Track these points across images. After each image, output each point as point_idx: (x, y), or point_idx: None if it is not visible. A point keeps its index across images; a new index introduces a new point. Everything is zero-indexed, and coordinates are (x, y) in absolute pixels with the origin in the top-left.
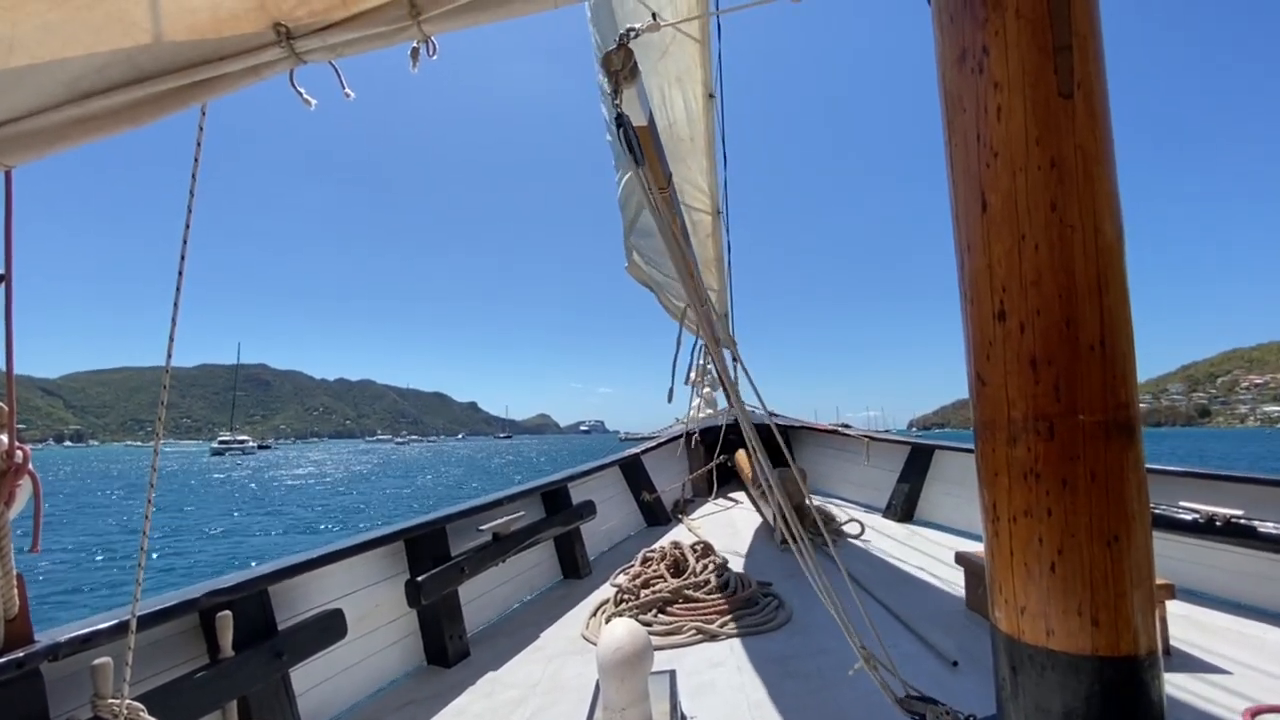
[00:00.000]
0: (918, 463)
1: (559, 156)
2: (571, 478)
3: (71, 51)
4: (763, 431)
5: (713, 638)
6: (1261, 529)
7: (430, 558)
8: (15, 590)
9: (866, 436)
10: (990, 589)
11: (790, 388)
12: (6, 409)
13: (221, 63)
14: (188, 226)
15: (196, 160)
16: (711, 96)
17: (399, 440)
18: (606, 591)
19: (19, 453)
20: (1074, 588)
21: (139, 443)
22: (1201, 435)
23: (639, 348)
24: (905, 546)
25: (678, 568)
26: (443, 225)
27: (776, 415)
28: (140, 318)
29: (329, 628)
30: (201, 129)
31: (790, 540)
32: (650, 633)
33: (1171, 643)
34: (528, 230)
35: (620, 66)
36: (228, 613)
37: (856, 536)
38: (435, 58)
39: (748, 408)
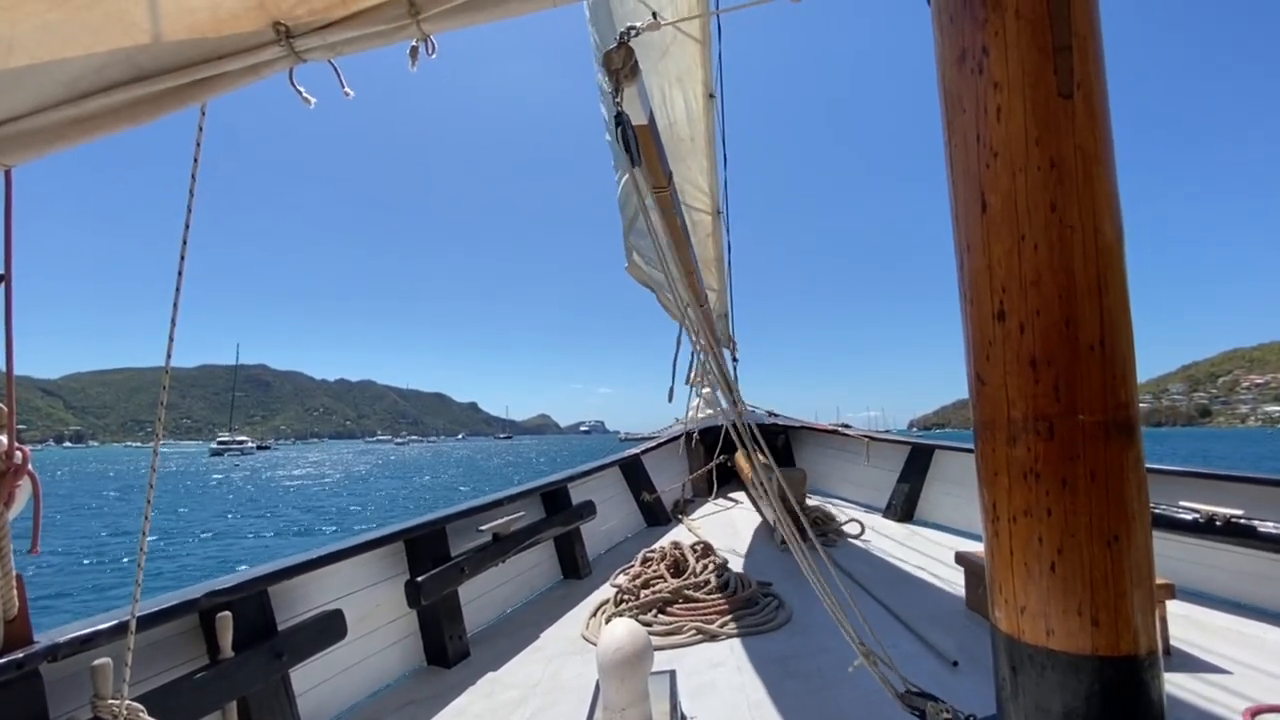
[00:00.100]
0: (918, 463)
1: (559, 156)
2: (571, 478)
3: (71, 51)
4: (760, 432)
5: (713, 638)
6: (1261, 529)
7: (430, 558)
8: (15, 591)
9: (866, 436)
10: (990, 589)
11: (790, 388)
12: (6, 410)
13: (221, 62)
14: (187, 226)
15: (196, 160)
16: (712, 96)
17: (398, 441)
18: (606, 592)
19: (19, 453)
20: (1074, 587)
21: (139, 443)
22: (1203, 435)
23: (639, 348)
24: (905, 546)
25: (678, 568)
26: (443, 225)
27: (776, 415)
28: (140, 318)
29: (329, 628)
30: (201, 128)
31: (790, 540)
32: (650, 633)
33: (1171, 643)
34: (528, 230)
35: (621, 65)
36: (227, 613)
37: (856, 536)
38: (434, 57)
39: (746, 407)
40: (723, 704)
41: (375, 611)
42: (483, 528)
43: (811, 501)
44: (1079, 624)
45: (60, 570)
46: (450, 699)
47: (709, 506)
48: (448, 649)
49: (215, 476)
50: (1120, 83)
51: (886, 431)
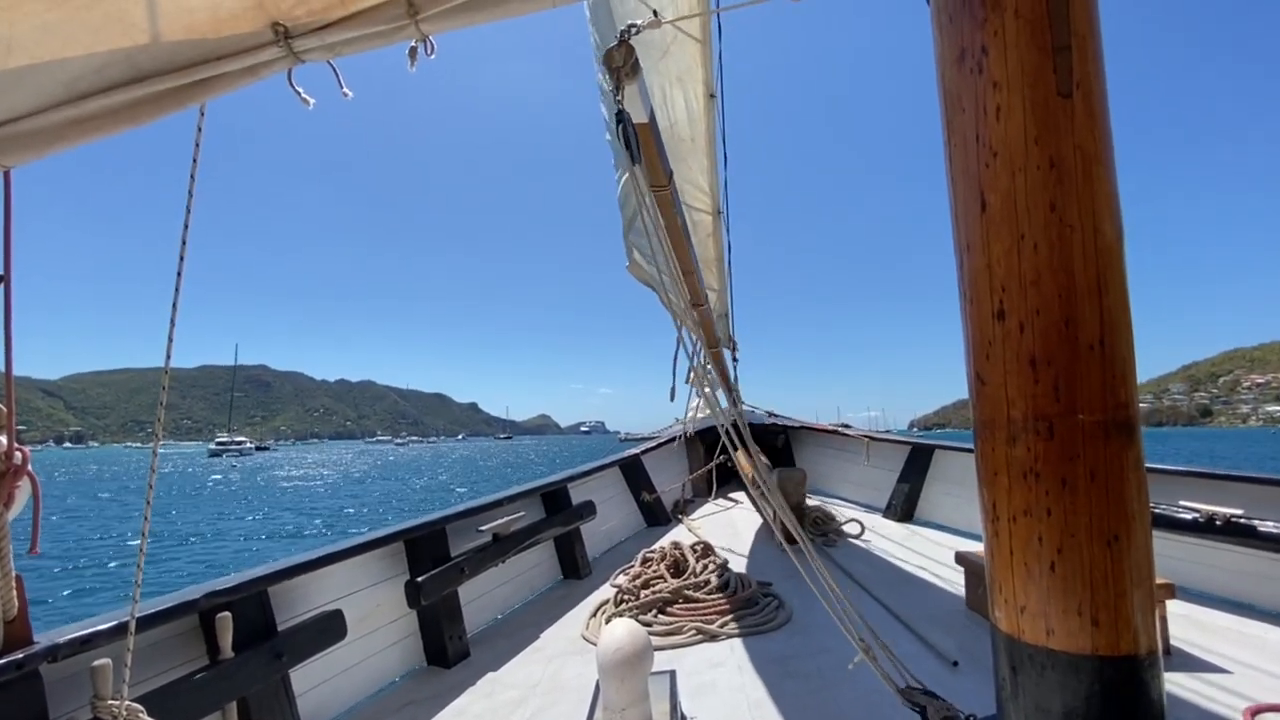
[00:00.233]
0: (918, 463)
1: (559, 156)
2: (571, 478)
3: (70, 52)
4: (760, 431)
5: (713, 638)
6: (1261, 528)
7: (430, 558)
8: (14, 592)
9: (866, 436)
10: (990, 589)
11: (790, 388)
12: (6, 410)
13: (220, 62)
14: (187, 226)
15: (195, 160)
16: (712, 96)
17: (398, 441)
18: (606, 592)
19: (18, 454)
20: (1074, 587)
21: (139, 444)
22: (1204, 435)
23: (639, 348)
24: (905, 546)
25: (678, 568)
26: (442, 225)
27: (776, 415)
28: (140, 318)
29: (329, 628)
30: (200, 129)
31: (790, 540)
32: (650, 633)
33: (1172, 642)
34: (528, 230)
35: (622, 63)
36: (227, 614)
37: (856, 536)
38: (433, 57)
39: (745, 407)
40: (723, 704)
41: (375, 612)
42: (483, 528)
43: (811, 501)
44: (1079, 624)
45: (42, 576)
46: (450, 699)
47: (709, 506)
48: (448, 649)
49: (214, 477)
50: (1120, 82)
51: (887, 431)
